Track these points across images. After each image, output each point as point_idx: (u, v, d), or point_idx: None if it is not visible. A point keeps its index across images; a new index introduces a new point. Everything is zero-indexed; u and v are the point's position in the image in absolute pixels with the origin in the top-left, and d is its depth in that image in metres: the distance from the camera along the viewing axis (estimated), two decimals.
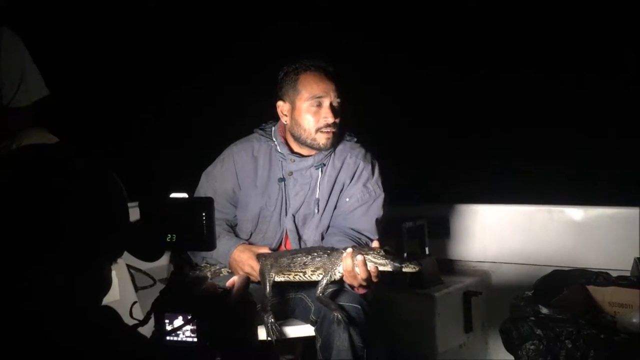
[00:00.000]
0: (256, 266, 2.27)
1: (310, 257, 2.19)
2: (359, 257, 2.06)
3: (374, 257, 2.06)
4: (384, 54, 5.60)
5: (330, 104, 2.35)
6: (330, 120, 2.33)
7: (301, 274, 2.21)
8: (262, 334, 2.18)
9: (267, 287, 2.22)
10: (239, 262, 2.33)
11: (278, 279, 2.24)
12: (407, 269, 2.04)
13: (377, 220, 2.42)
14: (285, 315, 2.40)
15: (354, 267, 2.08)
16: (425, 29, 5.66)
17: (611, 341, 1.99)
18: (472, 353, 3.07)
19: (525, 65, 5.52)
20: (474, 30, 5.61)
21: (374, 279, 2.08)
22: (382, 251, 2.07)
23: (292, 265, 2.21)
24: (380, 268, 2.06)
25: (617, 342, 1.99)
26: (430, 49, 5.70)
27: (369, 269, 2.05)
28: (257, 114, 2.69)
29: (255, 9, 5.27)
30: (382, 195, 2.45)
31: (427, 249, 3.09)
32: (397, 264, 2.04)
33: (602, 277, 2.43)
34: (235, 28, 5.28)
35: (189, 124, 5.07)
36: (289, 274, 2.22)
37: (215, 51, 5.20)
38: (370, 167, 2.45)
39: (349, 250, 2.10)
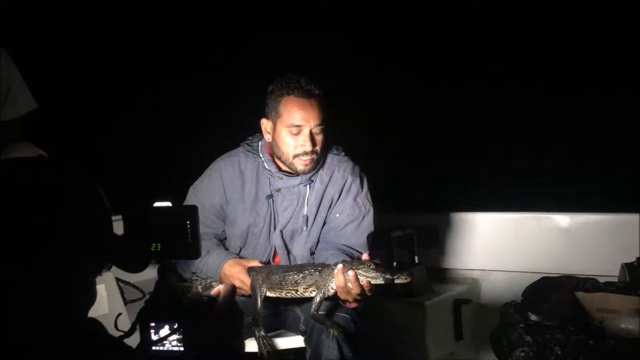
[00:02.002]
0: (246, 280, 2.26)
1: (301, 275, 2.17)
2: (350, 273, 2.04)
3: (365, 272, 2.04)
4: (377, 61, 5.62)
5: (310, 132, 2.30)
6: (308, 148, 2.29)
7: (293, 292, 2.19)
8: (253, 346, 2.17)
9: (259, 302, 2.20)
10: (229, 277, 2.30)
11: (270, 294, 2.22)
12: (399, 280, 2.02)
13: (368, 235, 2.41)
14: (277, 327, 2.40)
15: (346, 283, 2.06)
16: (411, 37, 5.70)
17: (600, 347, 2.00)
18: None
19: (514, 72, 5.56)
20: (452, 38, 5.65)
21: (368, 293, 2.06)
22: (372, 264, 2.05)
23: (283, 283, 2.19)
24: (372, 282, 2.04)
25: (605, 348, 2.00)
26: (424, 59, 5.73)
27: (361, 283, 2.04)
28: (239, 124, 2.69)
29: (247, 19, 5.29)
30: (372, 210, 2.43)
31: (416, 257, 3.10)
32: (388, 277, 2.02)
33: (590, 284, 2.45)
34: (220, 38, 5.29)
35: (171, 133, 5.06)
36: (281, 291, 2.21)
37: (198, 60, 5.20)
38: (359, 180, 2.43)
39: (340, 266, 2.08)
